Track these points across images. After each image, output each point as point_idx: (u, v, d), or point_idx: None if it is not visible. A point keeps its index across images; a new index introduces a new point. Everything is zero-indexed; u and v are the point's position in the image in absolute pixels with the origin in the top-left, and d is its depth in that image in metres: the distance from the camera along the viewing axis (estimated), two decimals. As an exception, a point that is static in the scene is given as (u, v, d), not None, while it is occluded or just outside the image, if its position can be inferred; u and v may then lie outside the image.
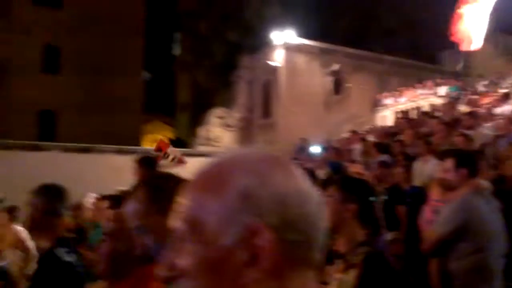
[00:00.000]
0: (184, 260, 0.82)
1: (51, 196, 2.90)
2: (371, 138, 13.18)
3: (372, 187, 2.87)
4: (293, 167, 0.87)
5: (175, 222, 0.85)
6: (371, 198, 2.60)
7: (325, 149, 13.74)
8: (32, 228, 2.98)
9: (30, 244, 5.90)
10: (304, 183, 0.86)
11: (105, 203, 4.53)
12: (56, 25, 24.88)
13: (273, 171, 0.84)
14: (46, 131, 23.92)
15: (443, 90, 20.38)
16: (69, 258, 2.79)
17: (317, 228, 0.84)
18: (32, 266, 5.59)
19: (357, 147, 11.68)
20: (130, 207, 1.71)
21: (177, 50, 35.34)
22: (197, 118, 27.19)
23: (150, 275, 2.03)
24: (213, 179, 0.83)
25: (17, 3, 24.46)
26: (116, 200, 3.97)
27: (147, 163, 5.16)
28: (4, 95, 23.48)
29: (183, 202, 0.85)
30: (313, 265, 0.85)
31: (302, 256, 0.82)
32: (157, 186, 1.75)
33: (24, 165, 7.31)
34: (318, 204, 0.85)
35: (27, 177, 7.36)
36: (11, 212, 6.49)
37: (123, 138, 23.04)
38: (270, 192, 0.81)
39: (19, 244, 5.65)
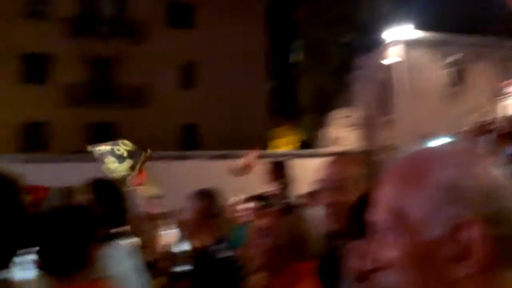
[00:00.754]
0: (388, 252, 0.77)
1: (208, 200, 3.07)
2: (497, 128, 12.29)
3: None
4: (492, 159, 0.82)
5: (377, 213, 0.81)
6: None
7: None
8: (193, 230, 3.16)
9: (180, 247, 6.24)
10: (507, 176, 0.79)
11: (253, 203, 4.69)
12: (189, 43, 26.19)
13: (474, 163, 0.78)
14: (190, 142, 25.23)
15: None
16: (225, 254, 2.93)
17: None
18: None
19: (484, 138, 10.95)
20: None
21: (297, 56, 35.63)
22: (320, 120, 27.15)
23: (305, 272, 2.06)
24: (414, 171, 0.79)
25: (155, 28, 26.11)
26: (264, 199, 4.11)
27: (278, 166, 5.31)
28: (149, 112, 25.17)
29: (384, 193, 0.80)
30: None
31: None
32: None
33: (174, 173, 7.79)
34: None
35: (178, 184, 7.83)
36: (163, 218, 6.90)
37: (254, 143, 23.64)
38: (475, 184, 0.75)
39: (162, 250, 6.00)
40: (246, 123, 25.58)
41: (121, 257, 2.47)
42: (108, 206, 2.55)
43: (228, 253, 2.92)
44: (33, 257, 1.91)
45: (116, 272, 2.28)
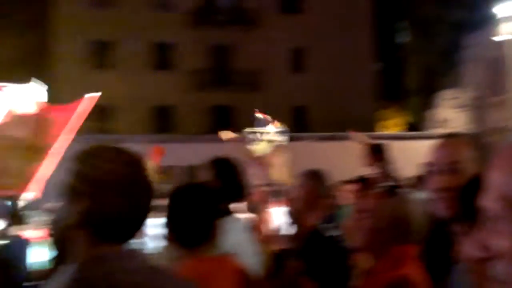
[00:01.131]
0: (500, 241, 0.69)
1: (316, 180, 3.07)
2: None
3: None
4: None
5: (488, 199, 0.73)
6: None
7: None
8: (302, 209, 3.18)
9: (289, 227, 6.28)
10: None
11: (357, 185, 4.61)
12: (299, 28, 26.08)
13: None
14: (300, 123, 25.32)
15: None
16: (333, 233, 2.92)
17: None
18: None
19: None
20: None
21: (404, 37, 34.07)
22: (428, 101, 25.82)
23: (409, 255, 1.98)
24: None
25: (267, 15, 26.34)
26: (367, 181, 4.03)
27: (377, 149, 5.17)
28: (262, 95, 25.54)
29: (495, 178, 0.72)
30: None
31: None
32: None
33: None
34: None
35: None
36: (274, 196, 6.98)
37: (360, 125, 23.13)
38: None
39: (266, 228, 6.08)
40: (353, 105, 25.09)
41: (238, 231, 2.55)
42: (227, 182, 2.62)
43: (336, 232, 2.91)
44: (161, 229, 2.05)
45: (233, 246, 2.37)
